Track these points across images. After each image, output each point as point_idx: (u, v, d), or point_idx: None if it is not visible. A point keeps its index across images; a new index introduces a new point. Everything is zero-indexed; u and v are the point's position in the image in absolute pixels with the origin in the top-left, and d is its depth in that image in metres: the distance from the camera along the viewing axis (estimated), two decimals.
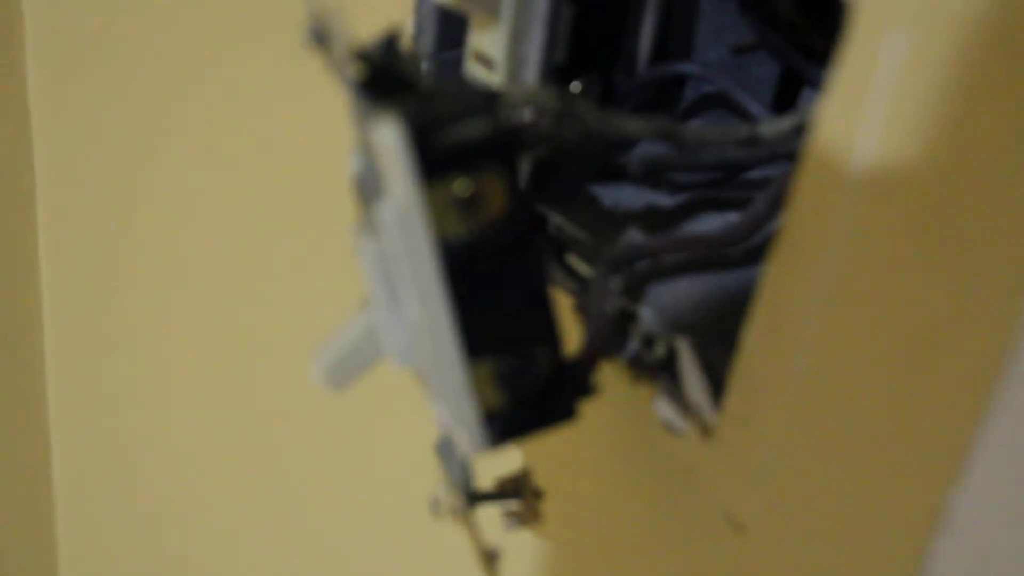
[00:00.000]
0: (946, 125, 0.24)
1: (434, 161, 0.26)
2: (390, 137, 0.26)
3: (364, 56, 0.27)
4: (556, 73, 0.35)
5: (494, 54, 0.35)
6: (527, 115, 0.30)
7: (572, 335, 0.30)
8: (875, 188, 0.26)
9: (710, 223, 0.37)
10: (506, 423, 0.29)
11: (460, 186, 0.27)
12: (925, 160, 0.25)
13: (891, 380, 0.27)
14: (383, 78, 0.28)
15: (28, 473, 0.73)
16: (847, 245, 0.27)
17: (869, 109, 0.25)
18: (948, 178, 0.25)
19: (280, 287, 0.60)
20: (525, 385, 0.28)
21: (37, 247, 0.67)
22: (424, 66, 0.39)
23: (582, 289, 0.35)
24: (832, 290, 0.27)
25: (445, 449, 0.33)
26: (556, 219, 0.36)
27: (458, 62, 0.37)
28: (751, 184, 0.38)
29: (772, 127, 0.34)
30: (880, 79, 0.25)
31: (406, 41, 0.38)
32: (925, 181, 0.25)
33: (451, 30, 0.38)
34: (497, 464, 0.34)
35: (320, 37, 0.27)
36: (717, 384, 0.31)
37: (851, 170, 0.26)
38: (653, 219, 0.37)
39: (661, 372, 0.33)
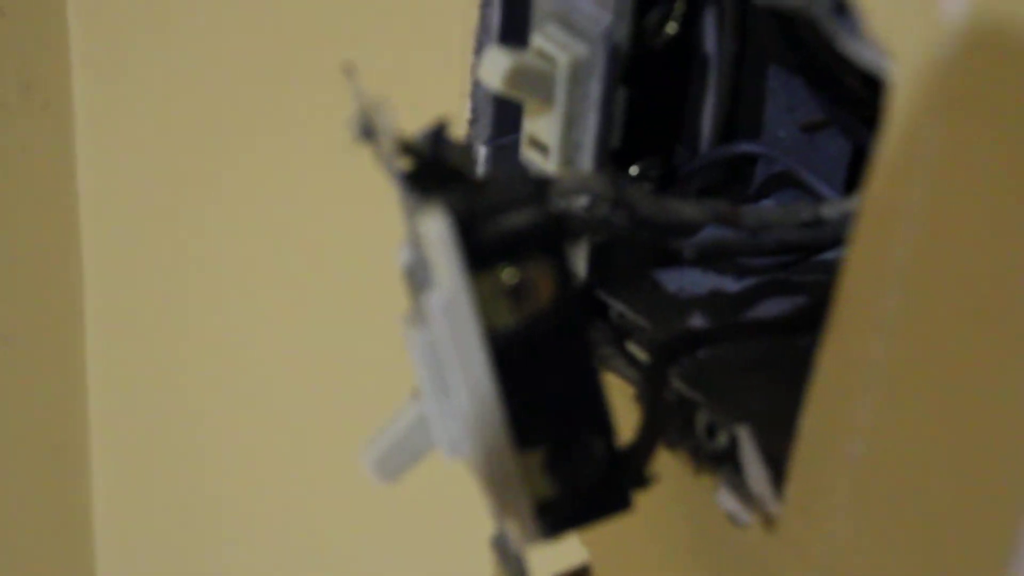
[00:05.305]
0: (991, 202, 0.24)
1: (480, 251, 0.26)
2: (436, 228, 0.26)
3: (410, 148, 0.28)
4: (614, 157, 0.35)
5: (548, 140, 0.35)
6: (577, 202, 0.30)
7: (633, 424, 0.30)
8: (922, 268, 0.25)
9: (777, 308, 0.36)
10: (559, 514, 0.28)
11: (507, 275, 0.27)
12: (973, 240, 0.24)
13: (949, 462, 0.26)
14: (430, 170, 0.28)
15: (66, 474, 0.73)
16: (896, 327, 0.26)
17: (912, 185, 0.25)
18: (996, 258, 0.24)
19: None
20: (577, 475, 0.28)
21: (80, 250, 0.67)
22: (481, 152, 0.39)
23: (643, 377, 0.34)
24: (883, 373, 0.26)
25: (501, 542, 0.33)
26: (617, 306, 0.36)
27: (515, 147, 0.37)
28: (824, 267, 0.37)
29: (835, 208, 0.33)
30: (921, 156, 0.24)
31: (457, 130, 0.38)
32: (973, 263, 0.24)
33: (508, 115, 0.39)
34: (554, 555, 0.34)
35: (368, 131, 0.28)
36: (780, 473, 0.31)
37: (897, 249, 0.25)
38: (717, 304, 0.36)
39: (724, 462, 0.32)
